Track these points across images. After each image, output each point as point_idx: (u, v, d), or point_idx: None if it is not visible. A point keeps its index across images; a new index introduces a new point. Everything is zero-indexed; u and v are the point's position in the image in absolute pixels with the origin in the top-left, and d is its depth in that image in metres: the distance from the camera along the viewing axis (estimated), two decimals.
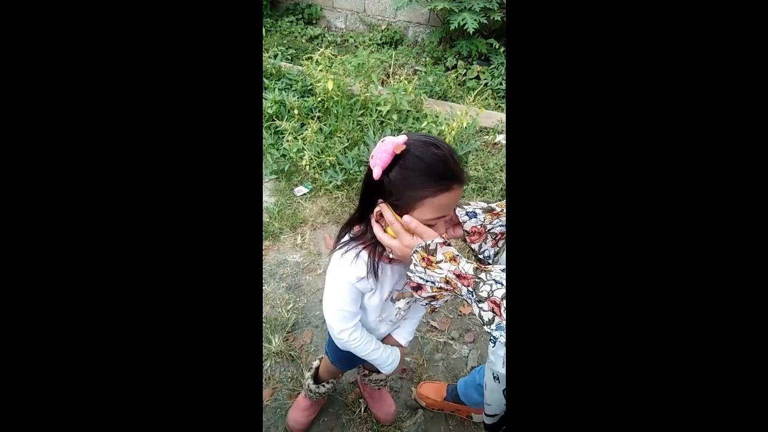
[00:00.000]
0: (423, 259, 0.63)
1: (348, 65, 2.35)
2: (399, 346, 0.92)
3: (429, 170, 0.62)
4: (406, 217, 0.64)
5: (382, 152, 0.62)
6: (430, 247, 0.62)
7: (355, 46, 3.23)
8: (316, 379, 1.18)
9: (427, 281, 0.63)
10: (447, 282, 0.62)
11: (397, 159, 0.62)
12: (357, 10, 3.47)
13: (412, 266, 0.64)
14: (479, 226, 0.72)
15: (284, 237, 1.81)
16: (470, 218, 0.73)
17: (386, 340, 0.92)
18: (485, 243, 0.73)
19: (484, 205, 0.73)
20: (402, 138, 0.63)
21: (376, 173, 0.62)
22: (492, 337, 0.62)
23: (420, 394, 1.29)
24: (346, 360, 1.03)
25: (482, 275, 0.59)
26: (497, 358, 0.88)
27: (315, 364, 1.19)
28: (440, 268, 0.62)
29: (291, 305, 1.55)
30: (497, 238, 0.74)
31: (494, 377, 0.91)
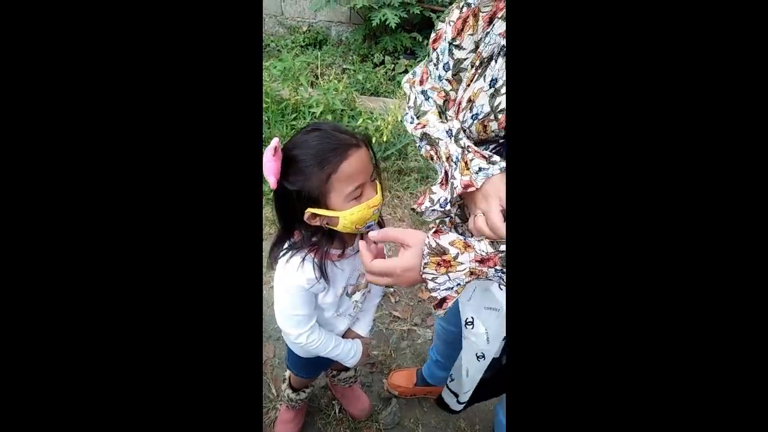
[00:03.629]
0: (439, 264, 0.56)
1: (273, 70, 2.30)
2: (360, 337, 0.93)
3: (317, 152, 0.63)
4: (371, 233, 0.61)
5: (265, 162, 0.63)
6: (432, 246, 0.56)
7: (278, 50, 3.16)
8: (293, 388, 1.17)
9: (451, 288, 0.57)
10: (472, 273, 0.56)
11: (287, 164, 0.64)
12: (274, 13, 3.39)
13: (431, 285, 0.57)
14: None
15: None
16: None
17: (347, 334, 0.93)
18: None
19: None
20: (273, 141, 0.63)
21: (272, 182, 0.64)
22: None
23: (392, 383, 1.31)
24: (309, 367, 1.03)
25: (503, 247, 0.55)
26: (478, 337, 0.88)
27: (287, 374, 1.18)
28: (461, 263, 0.56)
29: None
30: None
31: (477, 357, 0.90)
